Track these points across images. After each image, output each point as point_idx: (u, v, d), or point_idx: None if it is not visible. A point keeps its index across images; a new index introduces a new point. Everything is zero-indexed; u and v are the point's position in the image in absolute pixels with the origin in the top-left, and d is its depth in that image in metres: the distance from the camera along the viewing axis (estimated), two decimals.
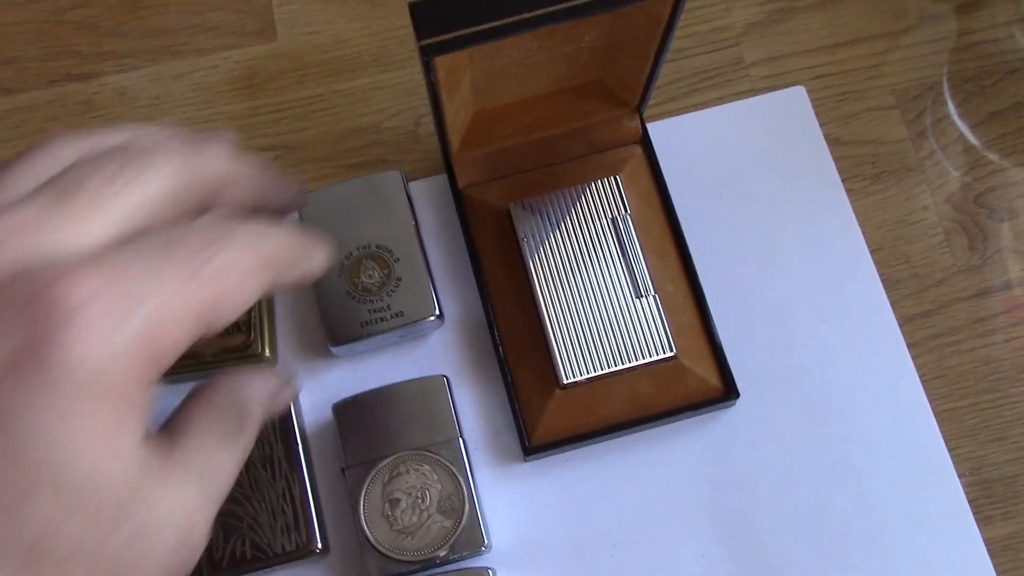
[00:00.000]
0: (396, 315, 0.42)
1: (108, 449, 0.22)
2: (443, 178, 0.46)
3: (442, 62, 0.35)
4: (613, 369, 0.41)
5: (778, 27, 0.49)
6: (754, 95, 0.48)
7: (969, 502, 0.42)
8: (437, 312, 0.42)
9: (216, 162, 0.28)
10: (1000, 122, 0.47)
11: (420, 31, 0.33)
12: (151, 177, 0.25)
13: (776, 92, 0.48)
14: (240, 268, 0.25)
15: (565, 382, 0.41)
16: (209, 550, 0.40)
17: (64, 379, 0.22)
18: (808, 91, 0.48)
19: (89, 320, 0.22)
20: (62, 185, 0.24)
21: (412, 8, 0.33)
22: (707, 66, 0.48)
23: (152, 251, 0.24)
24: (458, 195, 0.45)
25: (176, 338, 0.24)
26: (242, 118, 0.48)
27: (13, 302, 0.22)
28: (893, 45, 0.49)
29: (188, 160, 0.27)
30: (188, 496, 0.25)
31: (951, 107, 0.48)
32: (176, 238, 0.24)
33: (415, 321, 0.41)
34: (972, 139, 0.47)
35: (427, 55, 0.33)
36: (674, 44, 0.48)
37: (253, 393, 0.30)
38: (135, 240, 0.24)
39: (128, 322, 0.22)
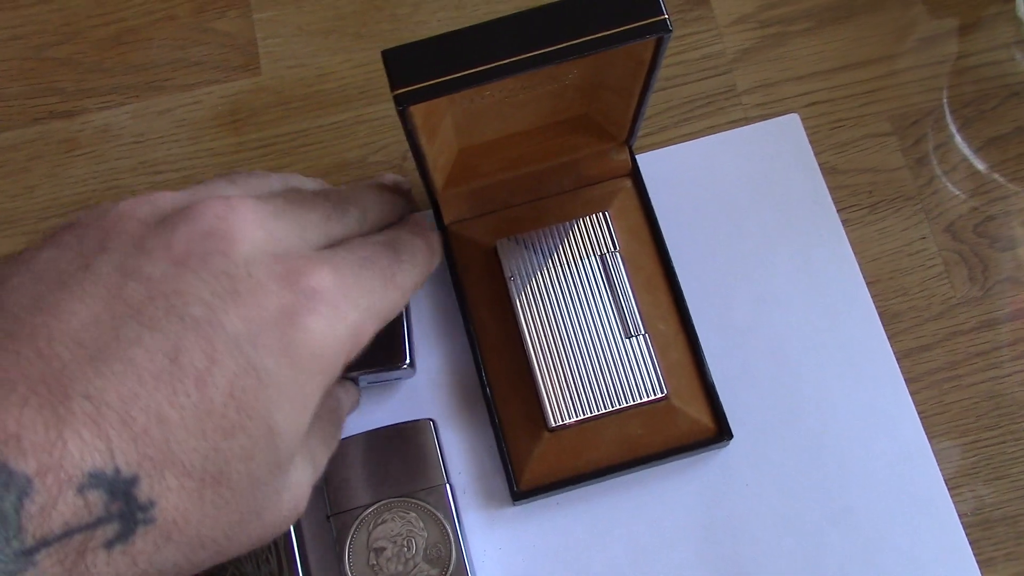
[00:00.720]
0: (365, 360, 0.41)
1: (300, 416, 0.27)
2: (428, 215, 0.45)
3: (419, 109, 0.34)
4: (602, 411, 0.40)
5: (771, 53, 0.48)
6: (747, 124, 0.47)
7: (970, 543, 0.41)
8: (407, 362, 0.40)
9: (382, 210, 0.36)
10: (1000, 148, 0.46)
11: (394, 80, 0.32)
12: (348, 218, 0.33)
13: (769, 120, 0.47)
14: (411, 281, 0.33)
15: (553, 425, 0.40)
16: None
17: (303, 346, 0.26)
18: (802, 118, 0.47)
19: (327, 304, 0.27)
20: (298, 201, 0.31)
21: (385, 56, 0.32)
22: (698, 94, 0.47)
23: (359, 264, 0.30)
24: (444, 232, 0.44)
25: (369, 334, 0.29)
26: (227, 154, 0.48)
27: (279, 274, 0.27)
28: (889, 70, 0.47)
29: (366, 209, 0.34)
30: (305, 475, 0.29)
31: (953, 131, 0.46)
32: (371, 255, 0.31)
33: (382, 369, 0.40)
34: (975, 164, 0.46)
35: (402, 104, 0.32)
36: (664, 72, 0.47)
37: (345, 402, 0.38)
38: (340, 251, 0.30)
39: (350, 315, 0.28)
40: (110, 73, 0.49)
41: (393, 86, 0.32)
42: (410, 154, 0.47)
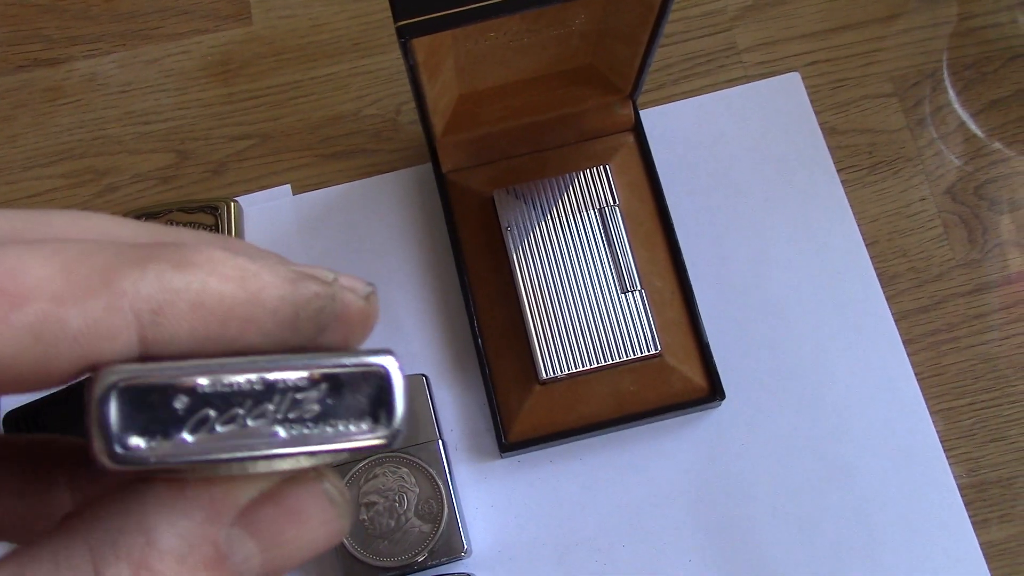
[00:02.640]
0: None
1: None
2: (425, 168, 0.44)
3: (421, 44, 0.33)
4: (595, 365, 0.40)
5: (772, 11, 0.47)
6: (747, 82, 0.46)
7: (965, 504, 0.40)
8: None
9: None
10: (1002, 110, 0.46)
11: (397, 11, 0.31)
12: None
13: (770, 79, 0.46)
14: None
15: (544, 377, 0.40)
16: None
17: None
18: (803, 78, 0.46)
19: None
20: None
21: None
22: (698, 51, 0.47)
23: None
24: (441, 180, 0.43)
25: None
26: (216, 105, 0.46)
27: None
28: (891, 30, 0.47)
29: None
30: None
31: (951, 94, 0.46)
32: None
33: None
34: (973, 128, 0.45)
35: (404, 37, 0.31)
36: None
37: None
38: None
39: None
40: (96, 21, 0.48)
41: (396, 17, 0.31)
42: (404, 107, 0.46)
